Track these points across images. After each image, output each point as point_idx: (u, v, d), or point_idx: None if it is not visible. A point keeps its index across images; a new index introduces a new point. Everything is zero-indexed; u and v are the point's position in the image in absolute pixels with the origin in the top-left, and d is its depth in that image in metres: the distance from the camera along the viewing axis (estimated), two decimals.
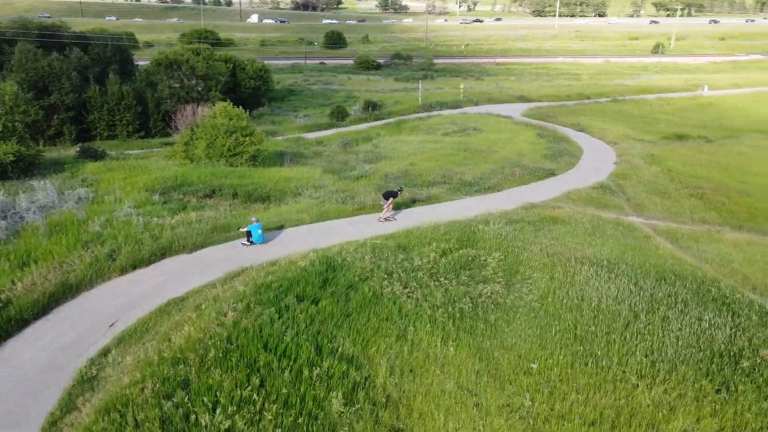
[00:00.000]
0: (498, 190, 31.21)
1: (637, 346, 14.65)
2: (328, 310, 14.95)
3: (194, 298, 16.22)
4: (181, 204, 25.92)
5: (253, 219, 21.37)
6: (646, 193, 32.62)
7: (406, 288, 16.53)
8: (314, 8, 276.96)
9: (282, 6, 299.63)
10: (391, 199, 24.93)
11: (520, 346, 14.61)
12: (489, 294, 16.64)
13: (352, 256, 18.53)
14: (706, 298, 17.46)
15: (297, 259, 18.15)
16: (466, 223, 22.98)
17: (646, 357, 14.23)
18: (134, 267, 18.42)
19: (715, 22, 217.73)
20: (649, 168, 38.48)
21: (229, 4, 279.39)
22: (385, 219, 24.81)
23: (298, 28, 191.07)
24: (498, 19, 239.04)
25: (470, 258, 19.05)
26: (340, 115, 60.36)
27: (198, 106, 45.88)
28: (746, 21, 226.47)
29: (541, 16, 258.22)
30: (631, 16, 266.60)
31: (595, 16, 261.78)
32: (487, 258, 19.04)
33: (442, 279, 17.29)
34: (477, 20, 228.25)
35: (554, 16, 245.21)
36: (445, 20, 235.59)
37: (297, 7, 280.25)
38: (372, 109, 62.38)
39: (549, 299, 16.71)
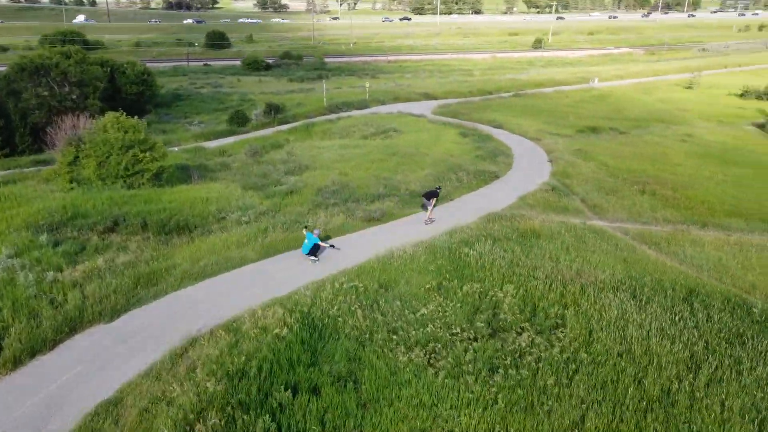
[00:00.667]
0: (450, 199, 27.88)
1: (725, 398, 11.69)
2: (336, 402, 10.65)
3: (132, 400, 11.18)
4: (77, 244, 20.14)
5: (316, 231, 19.51)
6: (597, 192, 30.64)
7: (425, 352, 12.53)
8: (188, 7, 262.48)
9: (153, 6, 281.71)
10: (434, 200, 24.33)
11: (591, 420, 11.11)
12: (526, 347, 13.04)
13: (334, 307, 14.24)
14: (749, 321, 14.94)
15: (265, 321, 13.55)
16: (445, 247, 19.31)
17: (745, 417, 11.23)
18: (32, 354, 12.92)
19: (588, 17, 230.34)
20: (586, 164, 36.87)
21: (93, 4, 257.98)
22: (430, 220, 24.21)
23: (173, 28, 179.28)
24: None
25: (478, 295, 15.38)
26: (240, 121, 54.73)
27: (78, 117, 38.84)
28: (609, 17, 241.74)
29: (420, 14, 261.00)
30: (505, 13, 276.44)
31: (471, 13, 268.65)
32: (497, 293, 15.46)
33: (460, 331, 13.47)
34: (405, 18, 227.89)
35: (433, 14, 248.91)
36: (334, 18, 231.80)
37: (170, 6, 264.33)
38: (275, 112, 57.28)
39: (596, 346, 13.39)
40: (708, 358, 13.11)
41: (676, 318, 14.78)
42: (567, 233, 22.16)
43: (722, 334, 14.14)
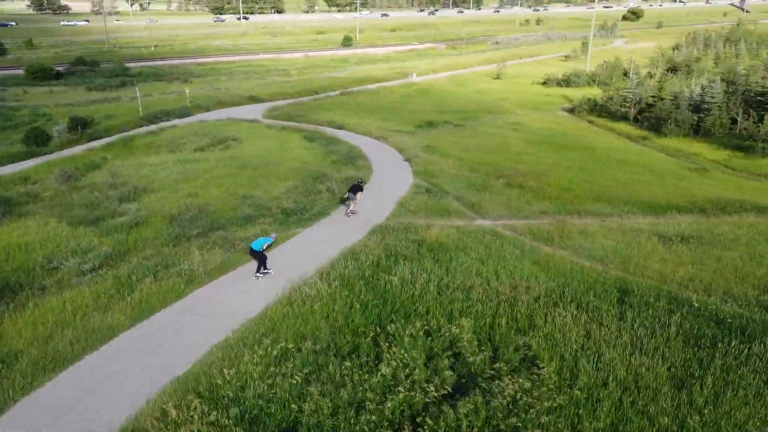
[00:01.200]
0: (327, 214, 25.05)
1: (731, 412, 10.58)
2: None
3: None
4: None
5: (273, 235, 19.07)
6: (467, 190, 29.82)
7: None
8: None
9: None
10: (360, 193, 24.96)
11: None
12: (515, 393, 10.86)
13: (264, 384, 10.82)
14: (704, 319, 14.36)
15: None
16: (357, 275, 16.55)
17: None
18: None
19: (386, 15, 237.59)
20: (444, 161, 36.15)
21: None
22: (351, 213, 24.86)
23: None
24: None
25: (424, 335, 12.90)
26: (40, 139, 46.27)
27: None
28: (381, 15, 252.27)
29: (221, 14, 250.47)
30: (307, 12, 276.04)
31: (273, 12, 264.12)
32: (450, 329, 13.12)
33: (434, 389, 10.87)
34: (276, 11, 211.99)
35: (233, 13, 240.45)
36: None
37: None
38: (83, 127, 49.55)
39: (582, 378, 11.64)
40: (695, 370, 12.08)
41: (640, 329, 13.69)
42: (470, 240, 20.59)
43: (693, 341, 13.30)
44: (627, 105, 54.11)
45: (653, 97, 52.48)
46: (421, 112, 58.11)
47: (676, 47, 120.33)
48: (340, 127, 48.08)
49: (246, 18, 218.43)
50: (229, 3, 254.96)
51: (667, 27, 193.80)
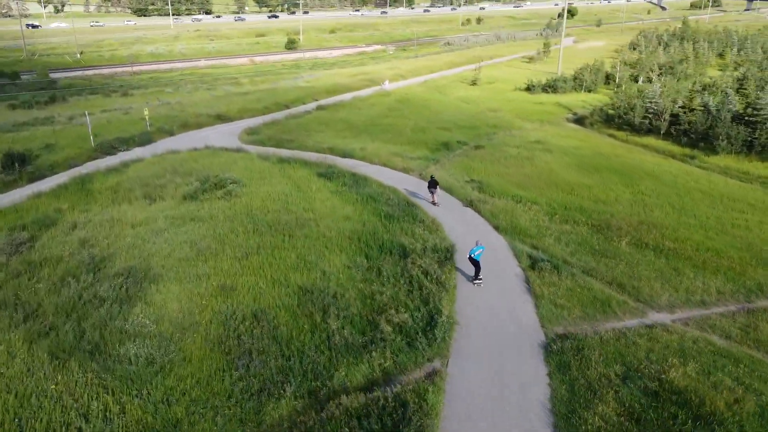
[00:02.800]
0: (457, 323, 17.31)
1: None
2: None
3: None
4: None
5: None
6: (590, 257, 22.66)
7: None
8: None
9: None
10: (437, 187, 29.63)
11: None
12: None
13: None
14: None
15: None
16: None
17: None
18: None
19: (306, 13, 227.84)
20: (515, 206, 28.77)
21: None
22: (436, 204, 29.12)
23: None
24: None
25: None
26: None
27: None
28: (351, 13, 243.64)
29: (145, 15, 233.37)
30: (237, 13, 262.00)
31: (200, 13, 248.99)
32: None
33: None
34: (239, 17, 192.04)
35: (158, 15, 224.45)
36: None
37: None
38: (20, 164, 39.22)
39: None
40: None
41: None
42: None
43: None
44: (650, 116, 48.57)
45: (682, 107, 47.12)
46: (423, 130, 50.61)
47: (633, 47, 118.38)
48: (348, 156, 40.07)
49: (242, 18, 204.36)
50: (152, 4, 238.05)
51: (605, 25, 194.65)
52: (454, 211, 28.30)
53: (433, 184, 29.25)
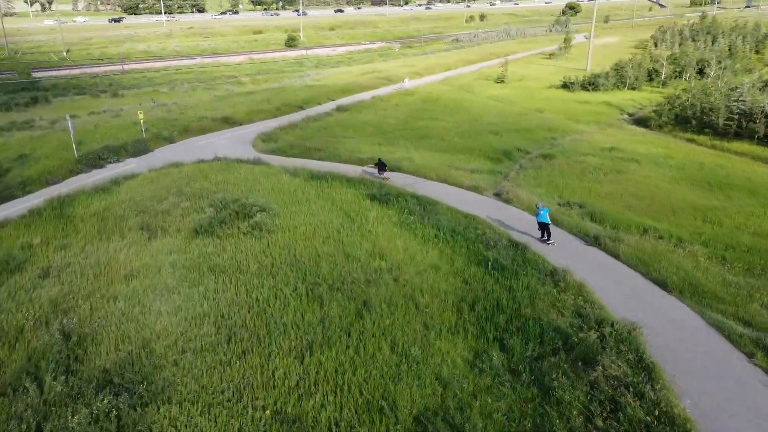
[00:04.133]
0: None
1: None
2: None
3: None
4: None
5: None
6: None
7: None
8: None
9: None
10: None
11: None
12: None
13: None
14: None
15: None
16: None
17: None
18: None
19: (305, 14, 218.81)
20: (683, 251, 20.64)
21: None
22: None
23: None
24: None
25: None
26: None
27: None
28: (335, 12, 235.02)
29: (135, 14, 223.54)
30: (231, 11, 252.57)
31: (193, 11, 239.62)
32: None
33: None
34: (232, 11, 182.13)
35: (150, 13, 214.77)
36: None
37: None
38: None
39: None
40: None
41: None
42: None
43: None
44: (735, 117, 40.79)
45: None
46: (468, 134, 42.64)
47: (655, 42, 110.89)
48: (393, 169, 31.87)
49: (235, 13, 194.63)
50: (143, 2, 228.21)
51: (612, 21, 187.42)
52: (578, 255, 20.19)
53: (382, 167, 30.34)
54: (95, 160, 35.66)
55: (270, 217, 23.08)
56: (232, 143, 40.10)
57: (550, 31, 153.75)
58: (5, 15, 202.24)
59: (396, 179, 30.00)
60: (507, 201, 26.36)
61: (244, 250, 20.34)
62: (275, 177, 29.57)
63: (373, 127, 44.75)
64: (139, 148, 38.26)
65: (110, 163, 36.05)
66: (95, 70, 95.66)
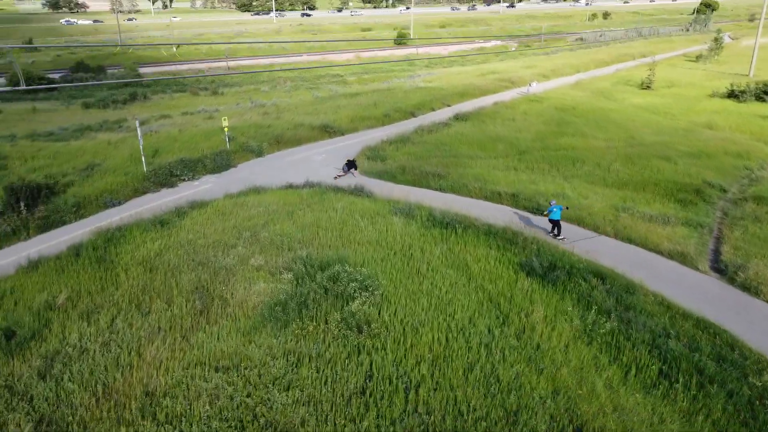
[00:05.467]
0: None
1: None
2: None
3: None
4: None
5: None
6: None
7: None
8: None
9: None
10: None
11: None
12: None
13: None
14: None
15: None
16: None
17: None
18: None
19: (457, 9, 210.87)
20: None
21: None
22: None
23: None
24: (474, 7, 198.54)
25: None
26: None
27: None
28: (452, 9, 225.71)
29: (248, 11, 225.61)
30: (340, 9, 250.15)
31: (303, 9, 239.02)
32: None
33: None
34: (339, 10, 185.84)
35: (261, 11, 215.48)
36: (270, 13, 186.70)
37: None
38: (32, 202, 25.05)
39: None
40: None
41: None
42: None
43: None
44: None
45: None
46: (629, 159, 32.56)
47: None
48: (542, 212, 22.68)
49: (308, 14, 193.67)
50: (257, 1, 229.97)
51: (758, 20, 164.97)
52: None
53: (351, 165, 29.07)
54: (166, 177, 29.12)
55: (374, 303, 14.78)
56: (331, 160, 32.45)
57: (687, 30, 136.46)
58: (129, 12, 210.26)
59: (546, 228, 20.89)
60: (745, 287, 16.58)
61: (330, 368, 12.16)
62: (382, 219, 21.31)
63: (503, 143, 35.60)
64: (221, 163, 31.44)
65: (183, 180, 29.43)
66: (200, 65, 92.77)
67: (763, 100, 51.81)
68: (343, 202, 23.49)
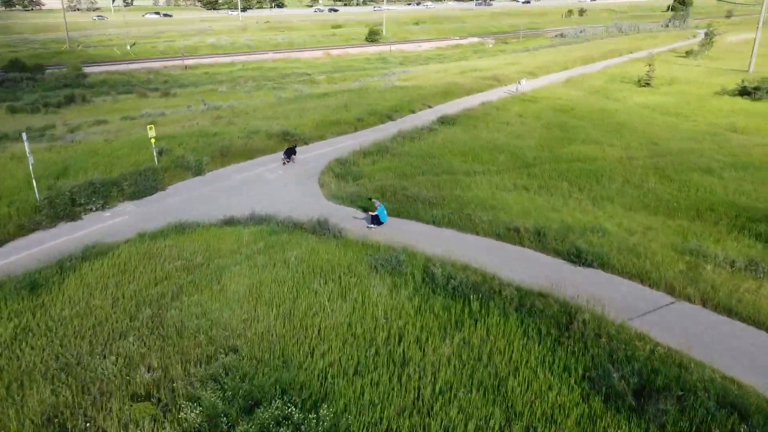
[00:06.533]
0: None
1: None
2: None
3: None
4: None
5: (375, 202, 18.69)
6: None
7: None
8: None
9: None
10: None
11: None
12: None
13: None
14: None
15: None
16: None
17: None
18: None
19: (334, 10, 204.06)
20: None
21: None
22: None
23: None
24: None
25: None
26: None
27: None
28: (417, 5, 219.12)
29: (215, 9, 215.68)
30: (310, 6, 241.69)
31: (272, 7, 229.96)
32: None
33: None
34: (166, 14, 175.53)
35: (228, 9, 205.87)
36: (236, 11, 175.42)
37: None
38: None
39: None
40: None
41: None
42: None
43: None
44: None
45: None
46: (661, 172, 26.12)
47: None
48: (577, 256, 15.83)
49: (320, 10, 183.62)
50: None
51: (736, 17, 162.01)
52: None
53: (291, 152, 27.37)
54: (66, 207, 21.51)
55: None
56: (290, 178, 25.24)
57: (667, 26, 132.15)
58: (87, 10, 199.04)
59: (603, 292, 13.97)
60: None
61: None
62: (356, 282, 14.12)
63: (504, 154, 28.70)
64: (145, 185, 23.91)
65: (90, 211, 21.87)
66: (155, 64, 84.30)
67: None
68: (299, 250, 16.28)
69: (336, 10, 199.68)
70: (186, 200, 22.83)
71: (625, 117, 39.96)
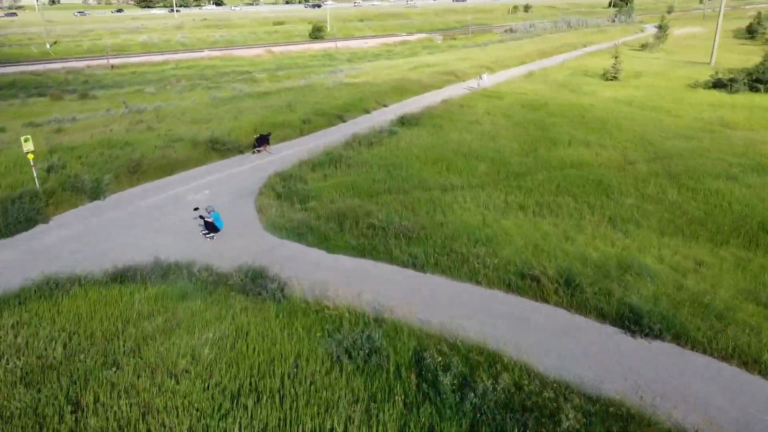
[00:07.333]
0: None
1: None
2: None
3: None
4: None
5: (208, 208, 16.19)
6: None
7: None
8: None
9: None
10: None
11: None
12: None
13: None
14: None
15: None
16: None
17: None
18: None
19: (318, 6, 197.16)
20: None
21: None
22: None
23: None
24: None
25: None
26: None
27: None
28: (354, 5, 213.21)
29: (149, 7, 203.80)
30: (251, 4, 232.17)
31: (212, 4, 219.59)
32: None
33: None
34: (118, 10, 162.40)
35: (164, 8, 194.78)
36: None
37: None
38: None
39: None
40: None
41: None
42: None
43: None
44: None
45: None
46: (674, 179, 21.52)
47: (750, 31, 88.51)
48: (618, 316, 10.60)
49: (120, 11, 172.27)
50: None
51: (676, 12, 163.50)
52: None
53: (263, 140, 25.89)
54: None
55: None
56: (218, 200, 19.22)
57: (613, 21, 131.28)
58: (10, 8, 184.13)
59: (708, 392, 8.86)
60: None
61: None
62: (309, 399, 8.46)
63: (483, 161, 23.47)
64: (17, 217, 17.47)
65: None
66: (77, 64, 75.57)
67: (757, 90, 42.79)
68: (217, 331, 10.44)
69: (319, 6, 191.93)
70: (71, 237, 16.58)
71: (602, 113, 35.56)
